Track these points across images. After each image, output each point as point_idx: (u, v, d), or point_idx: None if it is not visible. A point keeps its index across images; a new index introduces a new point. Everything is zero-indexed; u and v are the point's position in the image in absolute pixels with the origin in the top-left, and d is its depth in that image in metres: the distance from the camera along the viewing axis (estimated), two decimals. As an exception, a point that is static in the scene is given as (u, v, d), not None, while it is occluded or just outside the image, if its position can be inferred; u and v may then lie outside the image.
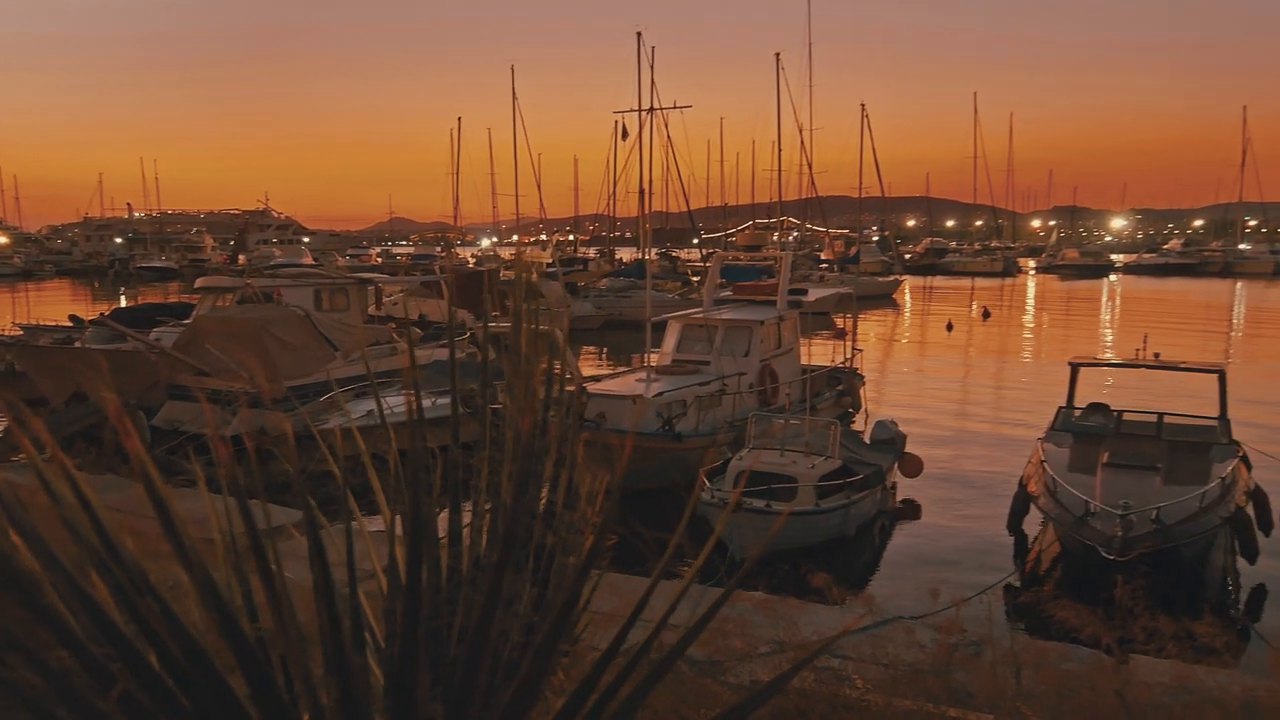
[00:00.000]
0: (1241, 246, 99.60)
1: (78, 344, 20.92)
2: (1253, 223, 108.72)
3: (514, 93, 63.54)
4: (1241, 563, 11.55)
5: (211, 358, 16.87)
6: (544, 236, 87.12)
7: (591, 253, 68.05)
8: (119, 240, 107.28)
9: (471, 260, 67.12)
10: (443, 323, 25.48)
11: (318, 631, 1.27)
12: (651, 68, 38.48)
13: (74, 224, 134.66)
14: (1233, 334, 43.16)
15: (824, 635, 5.89)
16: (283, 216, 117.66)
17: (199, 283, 25.16)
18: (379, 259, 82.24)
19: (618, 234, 79.34)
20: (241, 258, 47.57)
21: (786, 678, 1.67)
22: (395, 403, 13.29)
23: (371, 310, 26.77)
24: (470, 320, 27.24)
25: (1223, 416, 13.45)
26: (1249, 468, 13.01)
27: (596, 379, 18.41)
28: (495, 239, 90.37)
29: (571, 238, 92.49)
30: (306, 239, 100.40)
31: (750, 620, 6.28)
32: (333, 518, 1.79)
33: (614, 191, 56.47)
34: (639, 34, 39.66)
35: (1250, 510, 11.63)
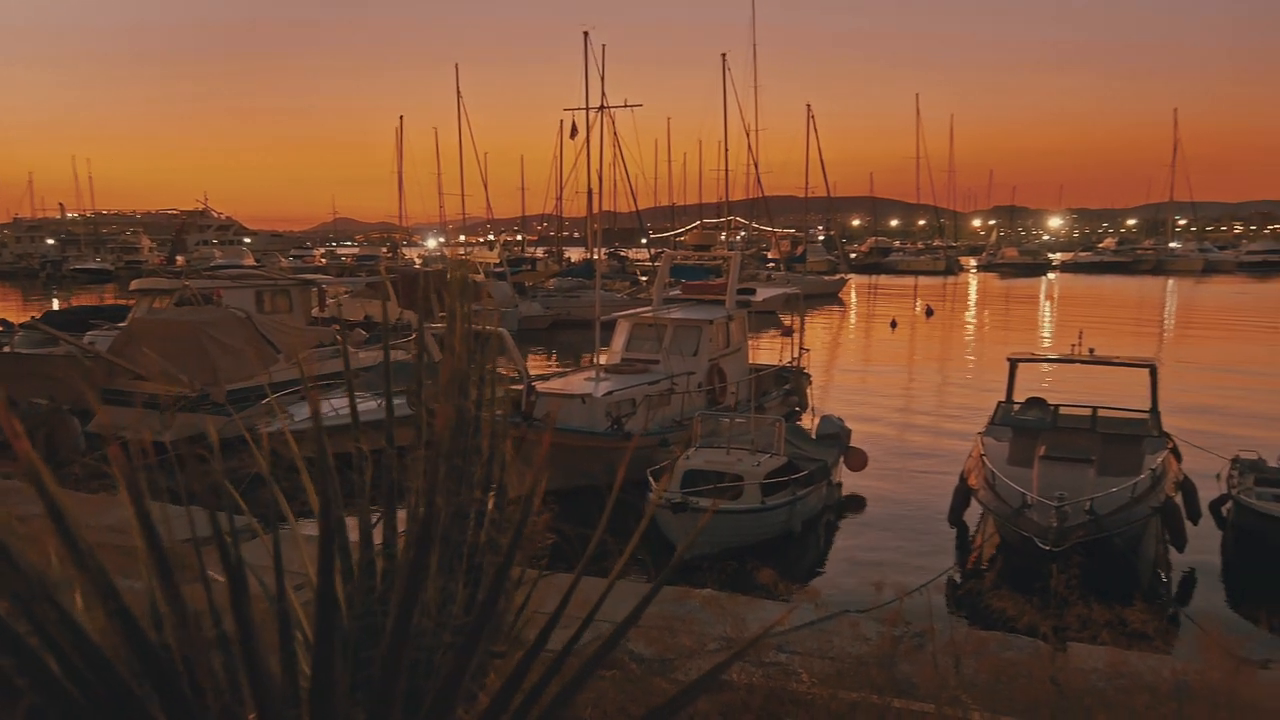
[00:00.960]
0: (1172, 245, 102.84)
1: (7, 349, 20.28)
2: (1182, 222, 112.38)
3: (458, 91, 62.97)
4: (1171, 551, 11.94)
5: (148, 361, 16.49)
6: (491, 236, 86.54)
7: (540, 252, 67.85)
8: (51, 241, 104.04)
9: (418, 261, 66.43)
10: (389, 324, 25.19)
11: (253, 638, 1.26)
12: (600, 66, 38.49)
13: (3, 225, 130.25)
14: (1164, 330, 44.52)
15: (771, 630, 5.96)
16: (223, 217, 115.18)
17: (134, 285, 24.57)
18: (323, 260, 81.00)
19: (566, 234, 79.13)
20: (180, 259, 46.53)
21: (720, 669, 1.69)
22: (340, 405, 13.09)
23: (315, 312, 26.38)
24: (416, 321, 26.95)
25: (1154, 410, 13.88)
26: (1179, 459, 13.45)
27: (545, 378, 18.38)
28: (442, 239, 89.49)
29: (519, 238, 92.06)
30: (248, 240, 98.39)
31: (699, 618, 6.33)
32: (279, 523, 1.77)
33: (562, 191, 56.38)
34: (586, 33, 39.59)
35: (1179, 500, 12.02)
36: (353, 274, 49.37)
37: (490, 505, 1.45)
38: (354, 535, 1.66)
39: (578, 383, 16.79)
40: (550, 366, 30.49)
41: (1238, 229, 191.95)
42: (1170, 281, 79.15)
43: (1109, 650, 5.44)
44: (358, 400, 1.85)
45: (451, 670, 1.27)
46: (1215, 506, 13.30)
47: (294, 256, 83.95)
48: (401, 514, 1.50)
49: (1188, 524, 11.99)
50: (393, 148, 75.06)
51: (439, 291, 31.03)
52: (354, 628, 1.37)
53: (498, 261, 50.15)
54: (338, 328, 24.69)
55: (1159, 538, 11.92)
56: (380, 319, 27.11)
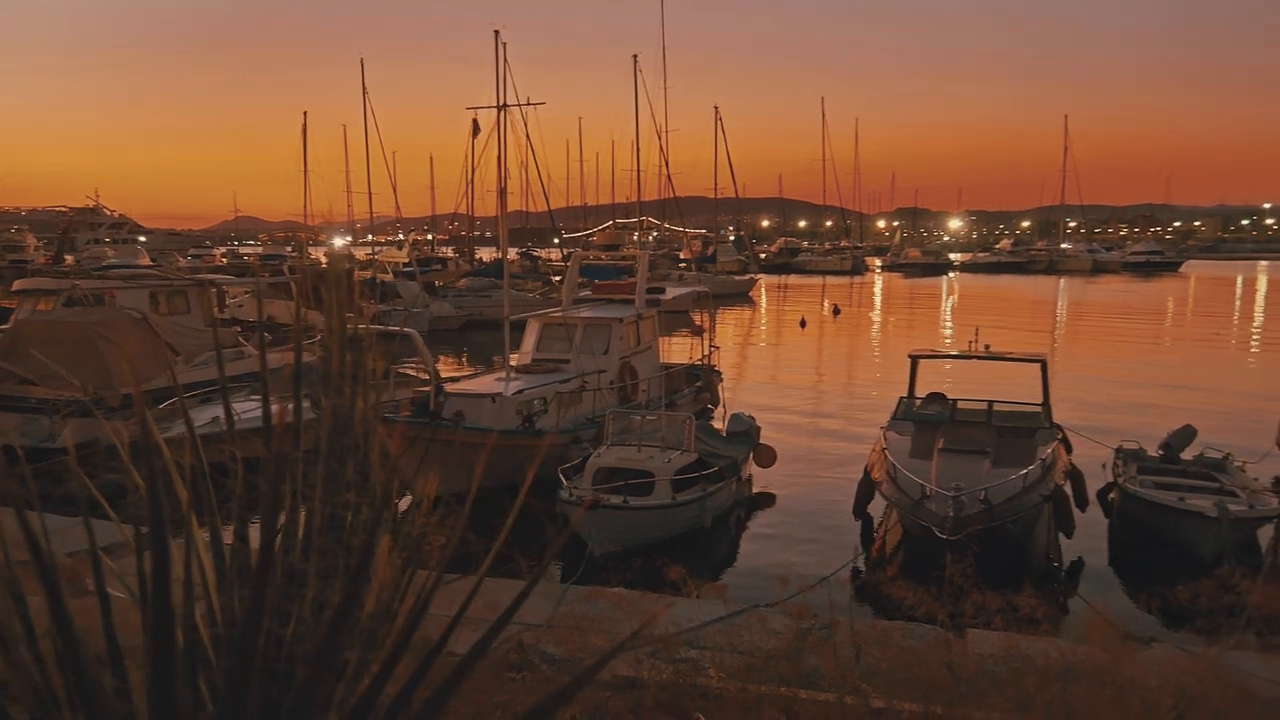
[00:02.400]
0: (1064, 246, 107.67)
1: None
2: (1073, 223, 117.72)
3: (364, 87, 61.59)
4: (1061, 537, 12.48)
5: (37, 364, 15.70)
6: (401, 236, 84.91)
7: (450, 252, 66.94)
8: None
9: (324, 260, 64.72)
10: (292, 325, 24.50)
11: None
12: (508, 66, 38.04)
13: None
14: (1056, 327, 46.53)
15: (681, 627, 6.03)
16: (116, 214, 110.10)
17: (17, 285, 23.36)
18: (224, 259, 78.27)
19: (477, 233, 78.28)
20: (68, 258, 44.29)
21: (598, 667, 1.69)
22: (242, 409, 12.73)
23: (215, 313, 25.49)
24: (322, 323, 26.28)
25: (1045, 403, 14.50)
26: (1068, 449, 14.07)
27: (456, 379, 18.17)
28: (350, 238, 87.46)
29: (430, 237, 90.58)
30: (143, 238, 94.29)
31: (610, 616, 6.36)
32: (178, 532, 1.71)
33: (471, 190, 55.62)
34: (496, 32, 39.11)
35: (1068, 489, 12.58)
36: (255, 274, 47.87)
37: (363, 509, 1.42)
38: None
39: (488, 383, 16.66)
40: (462, 367, 30.13)
41: (1123, 231, 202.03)
42: (1062, 281, 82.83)
43: (1002, 635, 5.67)
44: (256, 404, 1.80)
45: (307, 678, 1.24)
46: (1102, 494, 13.98)
47: (193, 256, 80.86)
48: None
49: (1076, 511, 12.56)
50: (297, 144, 73.09)
51: (348, 289, 30.33)
52: (216, 637, 1.33)
53: (407, 261, 49.34)
54: (239, 329, 23.94)
55: (1050, 525, 12.44)
56: (283, 320, 26.33)
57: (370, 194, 68.63)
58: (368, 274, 46.14)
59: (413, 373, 21.07)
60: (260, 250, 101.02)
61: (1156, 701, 4.35)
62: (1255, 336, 41.68)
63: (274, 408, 1.57)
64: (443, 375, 20.26)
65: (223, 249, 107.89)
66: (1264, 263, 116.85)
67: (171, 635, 1.24)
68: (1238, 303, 61.77)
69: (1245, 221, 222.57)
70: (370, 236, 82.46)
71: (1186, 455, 14.52)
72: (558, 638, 5.83)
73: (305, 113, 74.21)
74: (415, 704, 1.37)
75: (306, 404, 1.72)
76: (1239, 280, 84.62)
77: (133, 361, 16.69)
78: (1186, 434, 14.74)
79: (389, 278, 43.59)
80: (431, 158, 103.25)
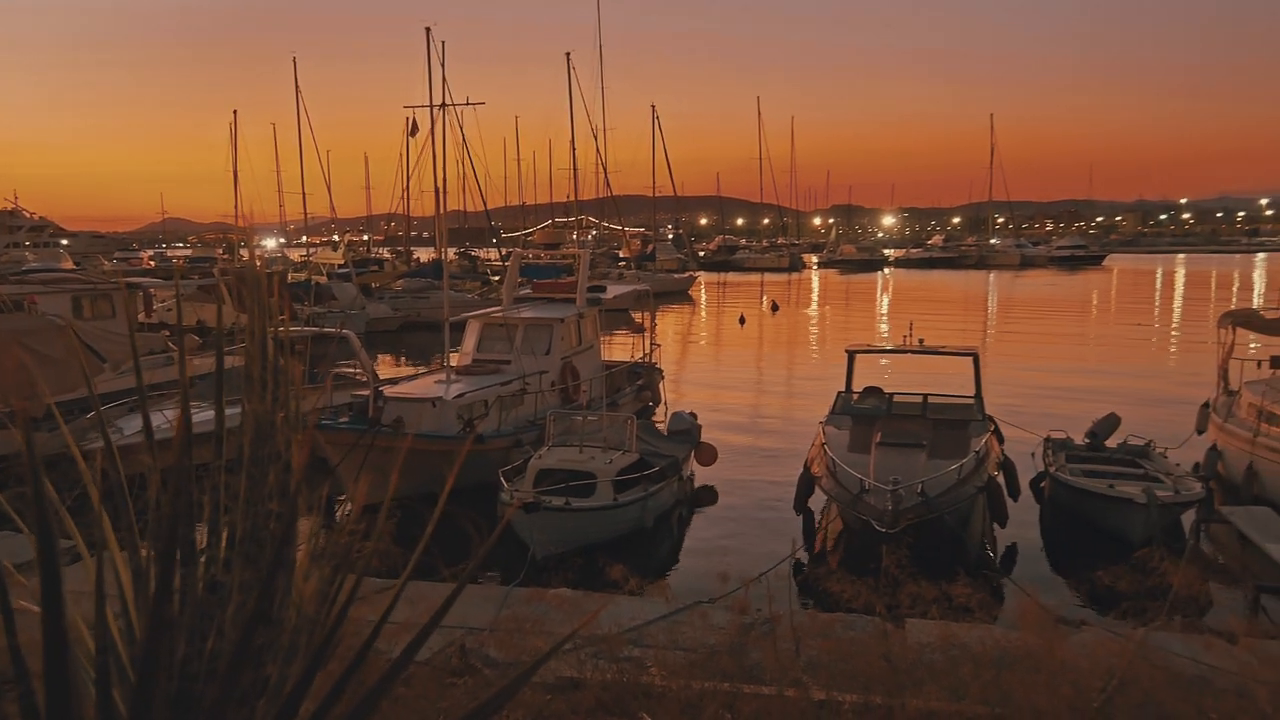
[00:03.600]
0: (993, 241, 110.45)
1: None
2: (1001, 219, 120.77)
3: (297, 86, 60.32)
4: (996, 527, 12.79)
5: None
6: (336, 237, 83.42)
7: (387, 253, 65.94)
8: None
9: (257, 263, 63.24)
10: (224, 329, 23.89)
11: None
12: (443, 64, 37.61)
13: None
14: (987, 320, 47.66)
15: (623, 626, 6.02)
16: (36, 217, 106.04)
17: (-73, 291, 22.31)
18: (152, 263, 75.98)
19: (414, 233, 77.20)
20: (-16, 263, 42.54)
21: (531, 671, 1.67)
22: (171, 416, 12.35)
23: (142, 317, 24.73)
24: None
25: (977, 395, 14.83)
26: (1000, 440, 14.41)
27: (394, 382, 17.89)
28: (283, 240, 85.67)
29: (365, 238, 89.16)
30: (66, 241, 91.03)
31: (552, 618, 6.33)
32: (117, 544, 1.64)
33: (407, 190, 54.91)
34: (428, 30, 38.67)
35: (1001, 479, 12.89)
36: (184, 277, 46.63)
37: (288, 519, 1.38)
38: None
39: (428, 385, 16.44)
40: (400, 369, 29.71)
41: (1049, 226, 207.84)
42: (991, 275, 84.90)
43: (939, 624, 5.78)
44: (193, 411, 1.73)
45: (215, 700, 1.20)
46: (1034, 483, 14.36)
47: (118, 259, 78.34)
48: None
49: (1009, 501, 12.87)
50: (227, 144, 71.23)
51: (288, 295, 29.78)
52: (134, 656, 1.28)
53: (343, 262, 48.47)
54: (167, 334, 23.27)
55: (984, 515, 12.73)
56: (214, 324, 25.62)
57: (304, 194, 67.28)
58: (302, 276, 45.30)
59: (350, 374, 20.74)
60: (189, 252, 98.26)
61: (1087, 684, 4.48)
62: (1174, 327, 43.24)
63: (209, 414, 1.51)
64: (381, 377, 19.97)
65: (150, 252, 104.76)
66: (1181, 256, 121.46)
67: (63, 656, 1.19)
68: (1158, 294, 64.02)
69: (1163, 216, 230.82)
70: (305, 238, 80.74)
71: (1111, 443, 15.01)
72: (500, 641, 5.78)
73: (235, 111, 72.21)
74: (340, 714, 1.34)
75: (235, 411, 1.67)
76: (1158, 273, 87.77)
77: (56, 369, 16.11)
78: (1111, 422, 15.23)
79: (324, 279, 42.83)
80: (367, 157, 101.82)
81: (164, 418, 1.63)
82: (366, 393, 15.26)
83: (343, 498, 12.19)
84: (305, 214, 71.17)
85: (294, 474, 1.33)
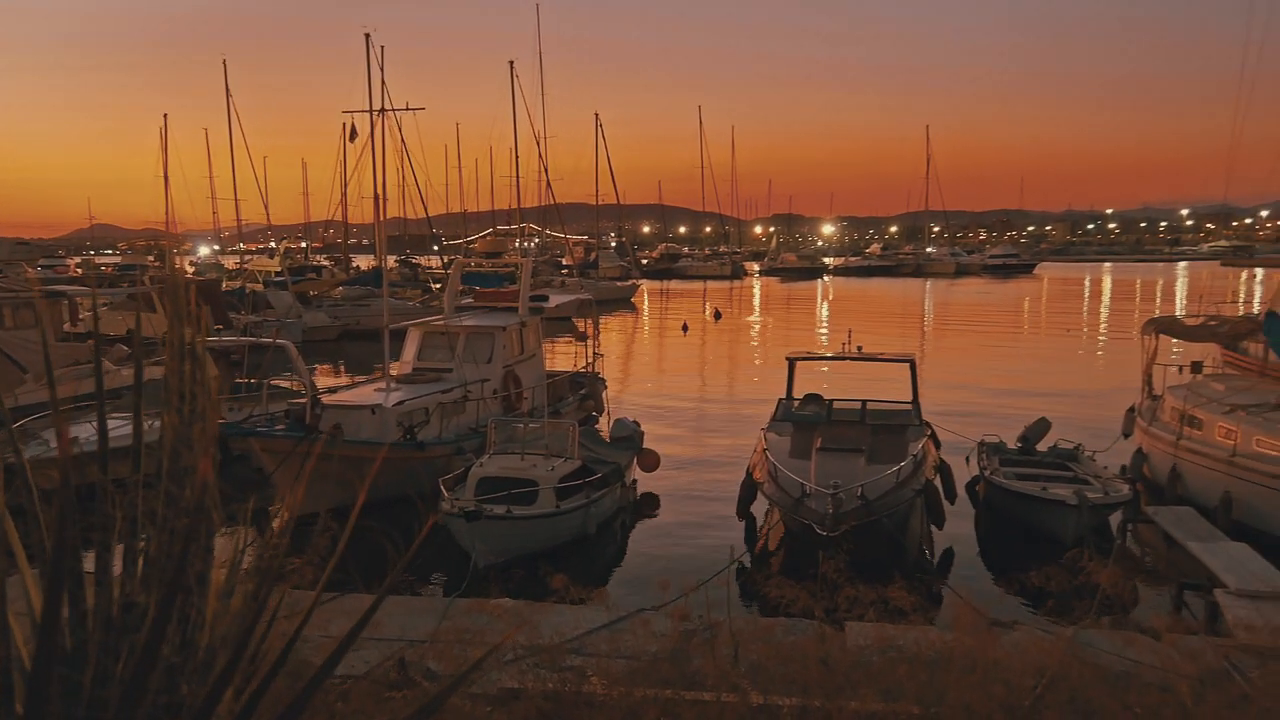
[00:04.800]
0: (929, 250, 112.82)
1: None
2: (936, 228, 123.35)
3: (228, 89, 59.02)
4: (933, 529, 13.03)
5: None
6: (273, 244, 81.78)
7: (324, 260, 64.85)
8: None
9: (190, 270, 61.91)
10: (156, 338, 23.26)
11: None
12: (382, 69, 37.12)
13: None
14: (924, 327, 48.62)
15: (565, 635, 5.99)
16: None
17: None
18: (78, 270, 73.59)
19: (354, 241, 76.04)
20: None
21: (460, 680, 1.66)
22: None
23: (67, 327, 23.93)
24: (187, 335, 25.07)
25: (914, 400, 15.12)
26: (937, 445, 14.70)
27: (333, 390, 17.60)
28: (217, 247, 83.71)
29: (303, 245, 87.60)
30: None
31: (494, 628, 6.26)
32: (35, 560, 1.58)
33: (345, 196, 54.05)
34: (367, 35, 38.12)
35: (938, 482, 13.15)
36: (113, 284, 45.29)
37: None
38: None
39: (367, 394, 16.21)
40: (339, 378, 29.23)
41: (983, 235, 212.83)
42: (928, 283, 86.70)
43: (877, 626, 5.87)
44: (122, 424, 1.69)
45: (120, 709, 1.16)
46: (969, 486, 14.67)
47: (43, 266, 75.72)
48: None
49: (946, 504, 13.13)
50: (157, 149, 69.36)
51: (214, 303, 29.06)
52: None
53: (279, 270, 47.53)
54: (93, 343, 22.55)
55: (922, 518, 12.96)
56: (145, 333, 24.89)
57: (237, 200, 65.82)
58: (236, 284, 44.28)
59: (288, 385, 20.32)
60: (119, 259, 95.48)
61: (1019, 682, 4.59)
62: (1102, 334, 44.60)
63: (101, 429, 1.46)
64: (320, 387, 19.62)
65: (78, 258, 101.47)
66: (1108, 264, 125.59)
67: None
68: (1085, 302, 65.99)
69: (1090, 226, 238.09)
70: (240, 245, 79.00)
71: (1042, 447, 15.42)
72: (440, 653, 5.71)
73: (165, 115, 70.36)
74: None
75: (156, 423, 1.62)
76: (1086, 281, 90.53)
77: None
78: (1041, 426, 15.65)
79: (259, 287, 41.95)
80: (304, 163, 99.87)
81: (92, 429, 1.58)
82: (304, 401, 14.98)
83: (276, 508, 11.94)
84: (239, 220, 69.69)
85: (208, 490, 1.30)
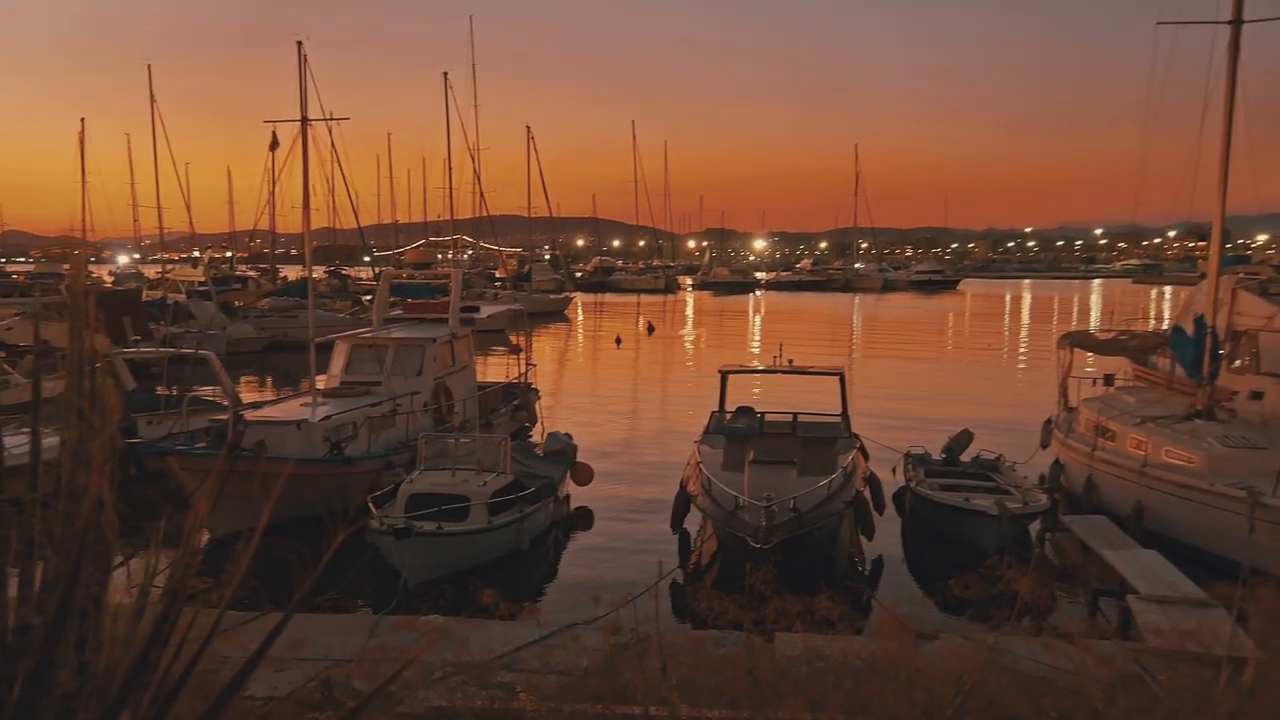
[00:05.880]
0: (857, 265, 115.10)
1: None
2: (865, 245, 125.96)
3: (151, 94, 57.39)
4: (863, 540, 13.26)
5: None
6: (197, 253, 79.52)
7: (249, 270, 63.30)
8: None
9: (109, 279, 59.86)
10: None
11: None
12: (310, 78, 36.50)
13: None
14: (852, 341, 49.53)
15: (495, 651, 5.94)
16: None
17: None
18: (-13, 278, 70.53)
19: (281, 250, 74.36)
20: None
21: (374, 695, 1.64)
22: (12, 443, 11.51)
23: (-27, 338, 22.92)
24: (107, 346, 24.23)
25: (844, 413, 15.38)
26: (866, 457, 14.98)
27: (258, 405, 17.17)
28: (137, 255, 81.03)
29: (228, 254, 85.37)
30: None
31: (420, 647, 6.18)
32: None
33: (273, 206, 52.85)
34: (299, 43, 37.43)
35: (867, 494, 13.39)
36: (25, 293, 43.56)
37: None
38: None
39: (293, 408, 15.86)
40: (264, 392, 28.53)
41: (909, 251, 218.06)
42: (856, 298, 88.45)
43: (805, 637, 5.95)
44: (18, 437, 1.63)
45: None
46: (897, 497, 14.98)
47: (-53, 274, 72.38)
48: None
49: (875, 515, 13.37)
50: (74, 153, 66.95)
51: (134, 313, 28.15)
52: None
53: (203, 280, 46.26)
54: (3, 355, 21.64)
55: (852, 529, 13.18)
56: (61, 344, 23.96)
57: (160, 208, 63.92)
58: (158, 294, 42.94)
59: (210, 398, 19.77)
60: (32, 268, 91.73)
61: (941, 690, 4.70)
62: (1022, 348, 46.01)
63: (52, 440, 1.42)
64: (244, 401, 19.13)
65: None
66: (1027, 281, 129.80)
67: None
68: (1007, 317, 68.05)
69: (1011, 244, 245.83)
70: (162, 254, 76.59)
71: (965, 457, 15.83)
72: (367, 672, 5.61)
73: (83, 119, 67.96)
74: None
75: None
76: (1007, 297, 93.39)
77: None
78: (964, 438, 16.07)
79: (182, 298, 40.76)
80: (229, 171, 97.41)
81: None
82: (226, 416, 14.59)
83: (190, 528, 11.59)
84: (161, 228, 67.60)
85: (104, 509, 1.26)
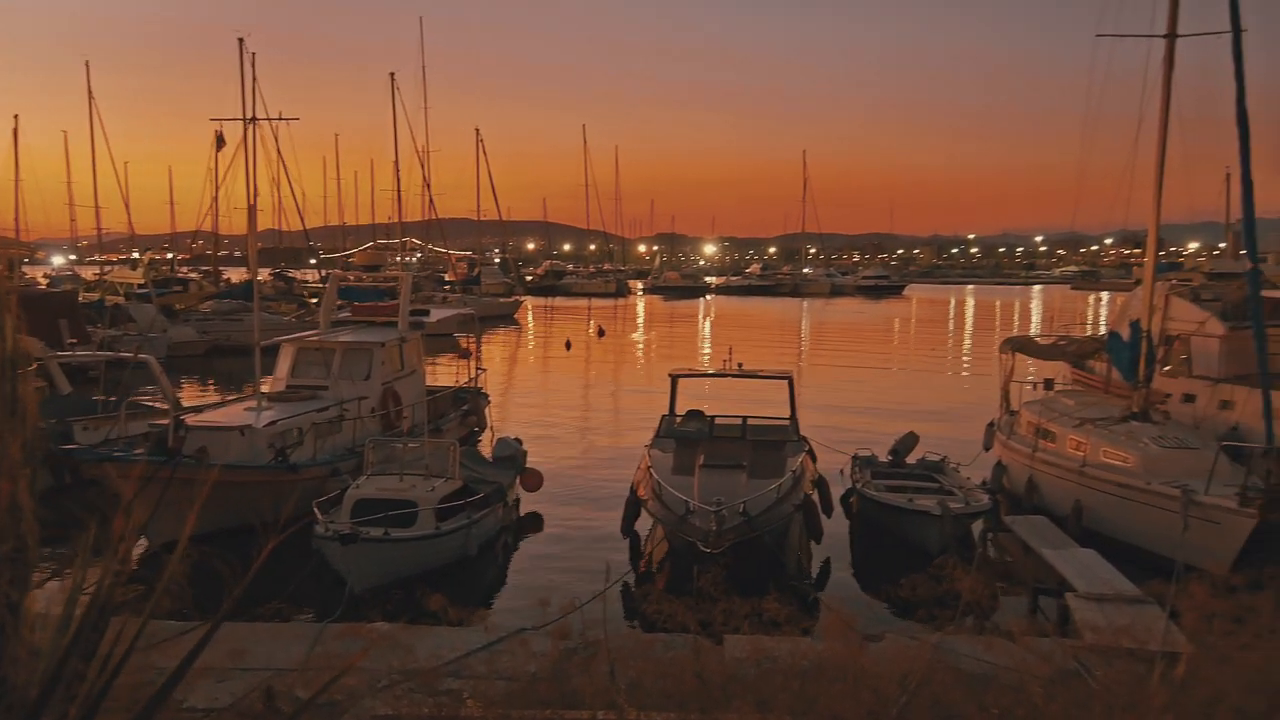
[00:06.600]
0: (806, 270, 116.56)
1: None
2: (813, 250, 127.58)
3: (90, 92, 55.95)
4: (812, 543, 13.37)
5: None
6: (136, 254, 77.62)
7: (190, 272, 61.94)
8: None
9: (44, 280, 58.12)
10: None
11: None
12: (255, 77, 35.91)
13: None
14: (801, 344, 50.04)
15: (442, 658, 5.88)
16: None
17: None
18: (-91, 278, 67.88)
19: (224, 252, 72.88)
20: None
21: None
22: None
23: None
24: (42, 349, 23.48)
25: (792, 416, 15.54)
26: (814, 459, 15.14)
27: (199, 409, 16.78)
28: (74, 256, 78.87)
29: (170, 256, 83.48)
30: None
31: (368, 653, 6.09)
32: None
33: (216, 206, 51.76)
34: (241, 40, 36.89)
35: (816, 497, 13.52)
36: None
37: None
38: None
39: (236, 413, 15.52)
40: (207, 397, 27.92)
41: (856, 257, 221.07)
42: (805, 302, 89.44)
43: (753, 639, 5.99)
44: None
45: None
46: (844, 499, 15.16)
47: None
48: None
49: (823, 517, 13.51)
50: (7, 151, 64.93)
51: (70, 316, 27.34)
52: None
53: (142, 282, 45.17)
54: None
55: (801, 531, 13.29)
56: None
57: (98, 208, 62.31)
58: (95, 296, 41.80)
59: (149, 403, 19.28)
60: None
61: (886, 689, 4.76)
62: (965, 351, 46.90)
63: None
64: (185, 405, 18.70)
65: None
66: (970, 286, 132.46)
67: None
68: (951, 322, 69.32)
69: (955, 250, 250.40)
70: (100, 255, 74.58)
71: (911, 460, 16.08)
72: (310, 681, 5.51)
73: (16, 116, 65.99)
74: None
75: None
76: (951, 302, 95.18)
77: None
78: (910, 440, 16.33)
79: (120, 300, 39.74)
80: (171, 171, 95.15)
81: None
82: (167, 421, 14.24)
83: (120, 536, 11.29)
84: (99, 229, 65.93)
85: (21, 516, 1.22)
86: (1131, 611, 9.08)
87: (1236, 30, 12.53)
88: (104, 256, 74.21)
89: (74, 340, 24.95)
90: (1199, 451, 12.98)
